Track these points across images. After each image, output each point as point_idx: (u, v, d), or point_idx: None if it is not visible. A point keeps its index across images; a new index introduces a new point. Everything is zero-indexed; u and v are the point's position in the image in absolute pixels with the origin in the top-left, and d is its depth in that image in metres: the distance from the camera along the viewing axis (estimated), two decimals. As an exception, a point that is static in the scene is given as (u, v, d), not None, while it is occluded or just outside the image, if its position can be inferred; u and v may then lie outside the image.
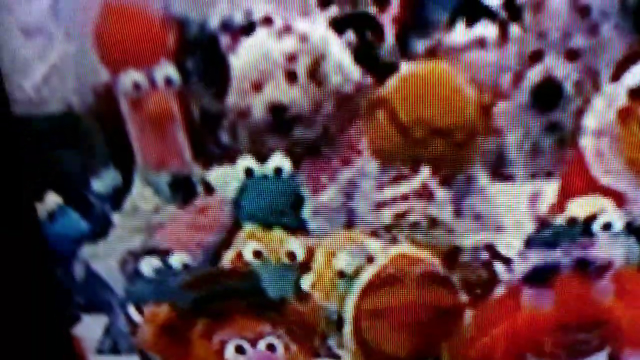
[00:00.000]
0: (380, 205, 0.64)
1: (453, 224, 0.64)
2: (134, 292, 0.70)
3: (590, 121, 0.58)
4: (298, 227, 0.65)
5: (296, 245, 0.65)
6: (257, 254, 0.66)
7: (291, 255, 0.66)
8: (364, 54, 0.59)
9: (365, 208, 0.64)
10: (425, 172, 0.62)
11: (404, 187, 0.63)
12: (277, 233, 0.66)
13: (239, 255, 0.66)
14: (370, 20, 0.58)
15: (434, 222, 0.64)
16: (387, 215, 0.64)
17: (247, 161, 0.64)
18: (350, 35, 0.59)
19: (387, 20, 0.58)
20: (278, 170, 0.63)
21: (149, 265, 0.68)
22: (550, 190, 0.62)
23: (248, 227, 0.66)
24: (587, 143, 0.59)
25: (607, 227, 0.61)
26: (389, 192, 0.63)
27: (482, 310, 0.65)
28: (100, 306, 0.72)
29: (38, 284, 0.70)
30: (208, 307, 0.68)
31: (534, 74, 0.58)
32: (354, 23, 0.58)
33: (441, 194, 0.63)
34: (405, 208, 0.63)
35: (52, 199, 0.68)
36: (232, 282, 0.67)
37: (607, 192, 0.60)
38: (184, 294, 0.68)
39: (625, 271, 0.63)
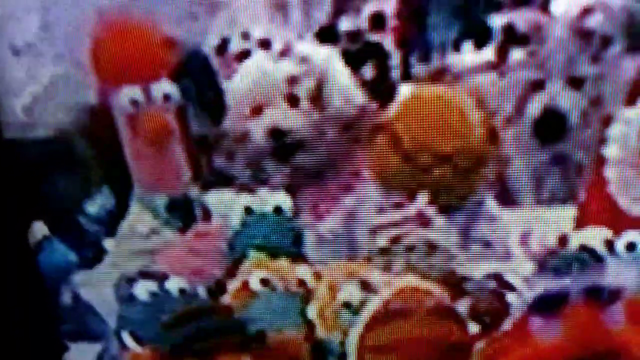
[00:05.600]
0: (377, 230, 0.62)
1: (458, 252, 0.62)
2: (126, 318, 0.68)
3: (611, 150, 0.56)
4: (301, 257, 0.64)
5: (306, 273, 0.63)
6: (265, 282, 0.64)
7: (302, 282, 0.64)
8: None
9: (364, 234, 0.62)
10: (424, 198, 0.60)
11: (404, 213, 0.61)
12: (284, 261, 0.64)
13: (245, 285, 0.64)
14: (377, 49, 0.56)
15: (434, 249, 0.62)
16: (383, 240, 0.62)
17: (246, 199, 0.62)
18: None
19: (390, 44, 0.57)
20: (278, 210, 0.62)
21: (144, 289, 0.66)
22: (562, 217, 0.59)
23: (254, 255, 0.64)
24: (611, 174, 0.57)
25: (631, 247, 0.58)
26: (388, 218, 0.61)
27: (491, 342, 0.63)
28: (90, 334, 0.70)
29: (27, 312, 0.69)
30: (190, 347, 0.66)
31: (535, 106, 0.56)
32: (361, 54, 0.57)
33: (443, 220, 0.61)
34: (404, 233, 0.61)
35: (38, 229, 0.67)
36: (212, 320, 0.66)
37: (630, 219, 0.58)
38: (165, 335, 0.66)
39: (638, 298, 0.61)
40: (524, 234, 0.60)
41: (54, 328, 0.70)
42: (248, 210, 0.62)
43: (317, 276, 0.64)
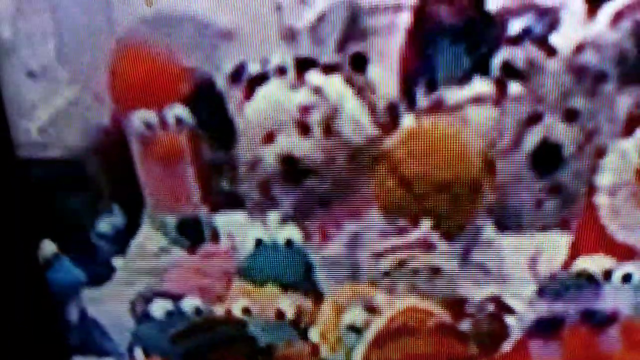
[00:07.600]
0: (380, 254, 0.63)
1: (459, 275, 0.63)
2: (140, 335, 0.69)
3: (603, 179, 0.58)
4: (302, 283, 0.65)
5: (287, 304, 0.65)
6: (246, 311, 0.65)
7: (280, 314, 0.65)
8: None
9: (368, 258, 0.63)
10: (425, 224, 0.61)
11: (408, 238, 0.62)
12: (270, 289, 0.65)
13: (229, 312, 0.66)
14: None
15: (437, 273, 0.63)
16: (387, 265, 0.63)
17: (256, 230, 0.63)
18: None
19: (394, 73, 0.58)
20: (289, 242, 0.63)
21: (160, 308, 0.67)
22: (558, 243, 0.61)
23: (239, 282, 0.65)
24: (601, 201, 0.59)
25: (626, 278, 0.60)
26: (392, 243, 0.63)
27: (491, 363, 0.64)
28: (97, 350, 0.71)
29: (34, 326, 0.70)
30: (198, 358, 0.67)
31: (532, 137, 0.57)
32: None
33: (444, 247, 0.62)
34: (407, 257, 0.63)
35: (48, 247, 0.68)
36: (220, 331, 0.67)
37: (621, 247, 0.60)
38: (174, 347, 0.67)
39: (634, 322, 0.62)
40: (528, 259, 0.62)
41: (60, 342, 0.71)
42: (258, 242, 0.64)
43: (318, 300, 0.65)
